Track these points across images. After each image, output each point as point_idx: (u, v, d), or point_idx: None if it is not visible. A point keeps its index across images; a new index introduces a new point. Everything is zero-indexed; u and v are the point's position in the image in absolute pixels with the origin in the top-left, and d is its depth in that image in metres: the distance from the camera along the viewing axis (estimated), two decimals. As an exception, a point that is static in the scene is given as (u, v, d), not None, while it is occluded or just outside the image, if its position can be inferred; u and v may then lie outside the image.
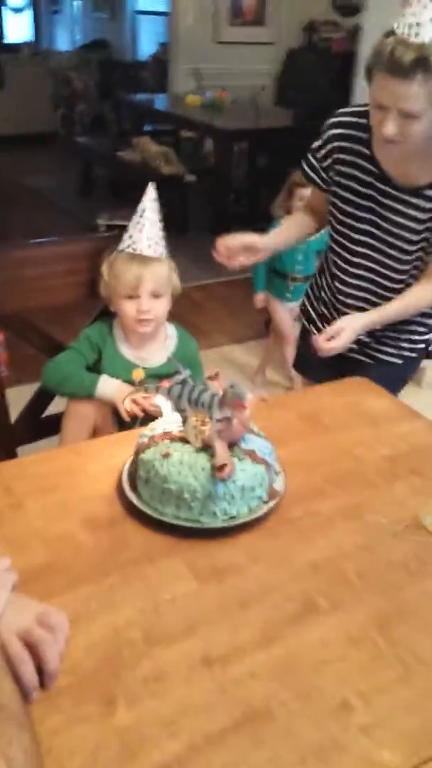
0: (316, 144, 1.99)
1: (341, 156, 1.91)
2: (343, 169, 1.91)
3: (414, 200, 1.84)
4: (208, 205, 5.88)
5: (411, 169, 1.82)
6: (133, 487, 1.37)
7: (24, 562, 1.19)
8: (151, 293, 1.86)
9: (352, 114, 1.90)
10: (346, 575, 1.24)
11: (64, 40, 10.33)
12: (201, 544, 1.28)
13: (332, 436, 1.68)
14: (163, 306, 1.90)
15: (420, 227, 1.86)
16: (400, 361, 2.14)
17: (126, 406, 1.83)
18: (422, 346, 2.14)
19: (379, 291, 1.99)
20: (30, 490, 1.39)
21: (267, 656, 1.07)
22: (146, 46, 9.46)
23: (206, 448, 1.31)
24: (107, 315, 1.98)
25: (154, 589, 1.17)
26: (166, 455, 1.31)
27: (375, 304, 1.98)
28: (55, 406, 2.05)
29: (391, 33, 1.61)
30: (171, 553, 1.25)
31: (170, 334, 2.01)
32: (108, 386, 1.88)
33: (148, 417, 1.82)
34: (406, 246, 1.89)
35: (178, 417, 1.39)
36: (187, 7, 6.93)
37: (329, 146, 1.94)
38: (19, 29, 10.29)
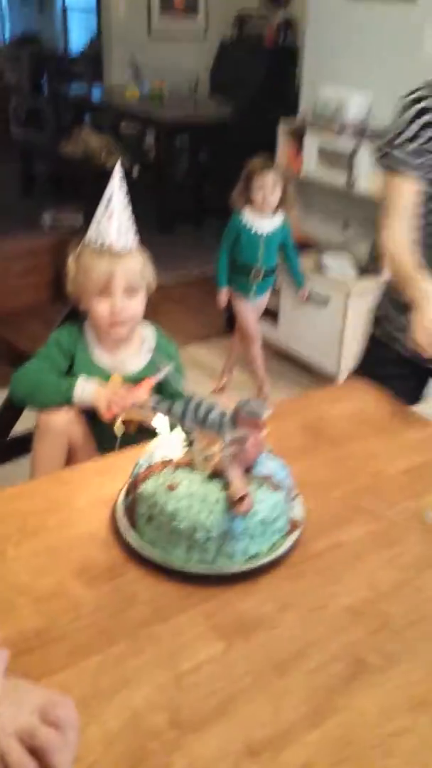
0: (395, 133, 1.76)
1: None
2: None
3: None
4: (151, 200, 5.67)
5: None
6: (132, 526, 1.16)
7: (12, 629, 0.99)
8: (125, 290, 1.65)
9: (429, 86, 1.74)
10: (392, 621, 1.06)
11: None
12: (219, 592, 1.08)
13: (341, 449, 1.50)
14: (138, 304, 1.70)
15: None
16: None
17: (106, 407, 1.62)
18: None
19: None
20: (10, 534, 1.17)
21: (321, 736, 0.88)
22: (77, 40, 9.24)
23: (216, 475, 1.12)
24: (75, 317, 1.77)
25: (172, 655, 0.97)
26: (172, 487, 1.11)
27: None
28: (21, 424, 1.83)
29: None
30: (186, 607, 1.05)
31: (147, 335, 1.80)
32: (87, 388, 1.65)
33: (129, 430, 1.62)
34: None
35: (178, 438, 1.19)
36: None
37: (418, 123, 1.73)
38: None
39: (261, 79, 6.08)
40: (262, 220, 3.11)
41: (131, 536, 1.14)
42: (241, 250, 3.14)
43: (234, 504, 1.07)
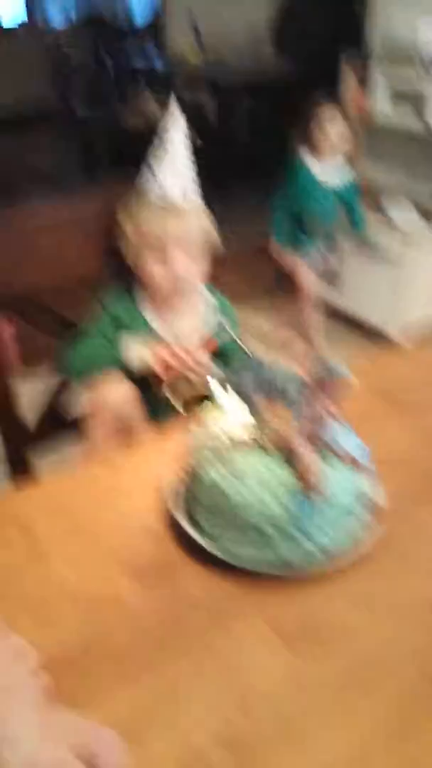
0: None
1: None
2: None
3: None
4: (211, 165, 5.48)
5: None
6: (190, 517, 1.03)
7: (54, 640, 0.87)
8: (185, 252, 1.51)
9: None
10: None
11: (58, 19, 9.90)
12: (286, 591, 0.94)
13: (422, 418, 1.33)
14: (198, 266, 1.56)
15: None
16: None
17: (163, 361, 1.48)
18: None
19: None
20: (54, 531, 1.05)
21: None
22: (140, 14, 9.11)
23: (290, 456, 0.97)
24: (121, 281, 1.63)
25: (234, 671, 0.84)
26: (239, 473, 0.96)
27: None
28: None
29: None
30: (248, 611, 0.91)
31: (208, 300, 1.65)
32: (137, 348, 1.52)
33: (190, 407, 1.46)
34: None
35: (244, 414, 1.03)
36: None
37: None
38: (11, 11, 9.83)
39: (330, 29, 5.77)
40: (326, 168, 2.88)
41: (191, 530, 1.00)
42: (303, 200, 2.91)
43: (307, 487, 0.92)
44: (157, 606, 0.92)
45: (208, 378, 1.09)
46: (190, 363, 1.46)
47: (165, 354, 1.48)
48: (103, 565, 0.99)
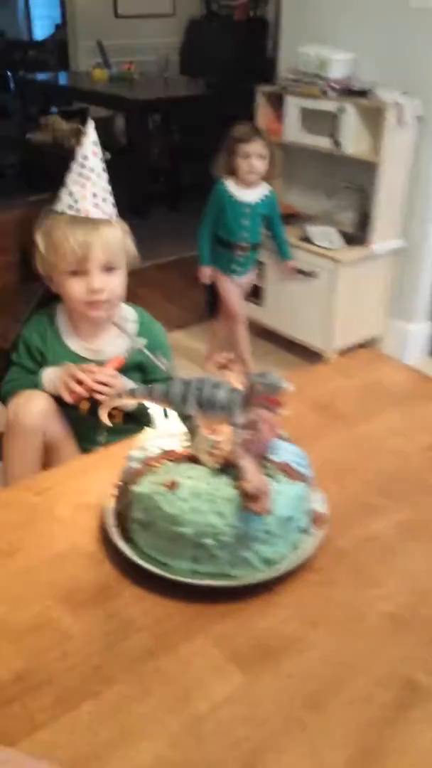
0: None
1: None
2: None
3: None
4: (126, 185, 5.46)
5: None
6: (127, 535, 0.98)
7: (-17, 675, 0.80)
8: (103, 266, 1.46)
9: None
10: (446, 630, 0.88)
11: None
12: (233, 608, 0.90)
13: (357, 427, 1.32)
14: (118, 282, 1.50)
15: None
16: None
17: (67, 386, 1.43)
18: None
19: None
20: (-23, 557, 0.99)
21: (378, 788, 0.70)
22: (42, 29, 9.03)
23: (225, 468, 0.94)
24: (49, 300, 1.58)
25: (183, 694, 0.79)
26: (172, 485, 0.92)
27: None
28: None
29: None
30: (195, 630, 0.87)
31: (129, 317, 1.60)
32: (46, 374, 1.50)
33: (113, 420, 1.41)
34: None
35: (175, 427, 1.00)
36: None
37: None
38: None
39: (232, 54, 5.90)
40: (248, 191, 2.90)
41: (125, 548, 0.95)
42: (226, 224, 2.92)
43: (250, 500, 0.88)
44: (94, 631, 0.86)
45: (128, 395, 1.04)
46: (92, 384, 1.40)
47: (66, 379, 1.42)
48: (36, 593, 0.92)
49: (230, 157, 2.85)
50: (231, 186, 2.88)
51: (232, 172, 2.86)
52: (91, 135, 1.41)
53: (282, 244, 3.13)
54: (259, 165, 2.83)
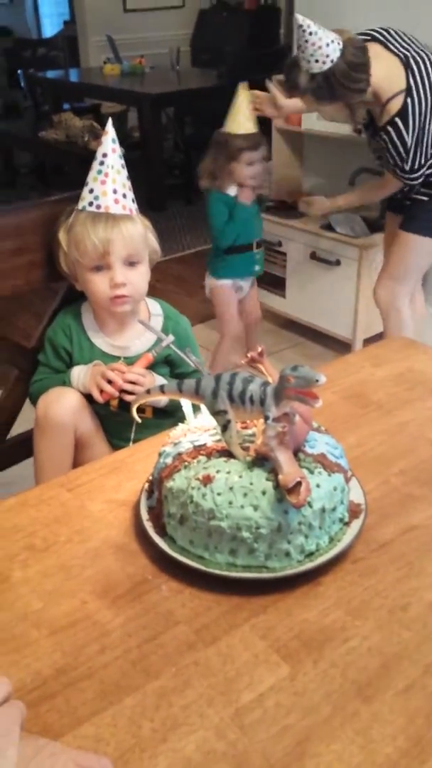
0: None
1: None
2: None
3: None
4: (141, 179, 5.45)
5: None
6: (161, 530, 0.97)
7: (27, 672, 0.79)
8: (125, 261, 1.45)
9: None
10: None
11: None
12: (273, 600, 0.89)
13: (392, 416, 1.30)
14: (141, 276, 1.49)
15: None
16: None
17: (97, 386, 1.46)
18: None
19: None
20: (15, 553, 0.98)
21: (430, 777, 0.69)
22: (50, 27, 9.05)
23: (259, 461, 0.92)
24: (74, 299, 1.57)
25: (225, 685, 0.78)
26: (207, 480, 0.91)
27: None
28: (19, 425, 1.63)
29: None
30: (235, 623, 0.85)
31: (154, 312, 1.59)
32: (82, 374, 1.50)
33: (144, 416, 1.42)
34: None
35: (207, 422, 0.99)
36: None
37: None
38: None
39: (244, 44, 5.87)
40: (244, 192, 2.85)
41: (161, 542, 0.94)
42: (239, 230, 2.87)
43: (288, 492, 0.87)
44: (132, 625, 0.86)
45: (158, 392, 1.04)
46: (122, 384, 1.43)
47: (97, 378, 1.45)
48: (71, 588, 0.92)
49: (228, 163, 2.77)
50: (232, 191, 2.83)
51: (225, 177, 2.80)
52: (110, 132, 1.41)
53: None
54: (261, 169, 2.80)
